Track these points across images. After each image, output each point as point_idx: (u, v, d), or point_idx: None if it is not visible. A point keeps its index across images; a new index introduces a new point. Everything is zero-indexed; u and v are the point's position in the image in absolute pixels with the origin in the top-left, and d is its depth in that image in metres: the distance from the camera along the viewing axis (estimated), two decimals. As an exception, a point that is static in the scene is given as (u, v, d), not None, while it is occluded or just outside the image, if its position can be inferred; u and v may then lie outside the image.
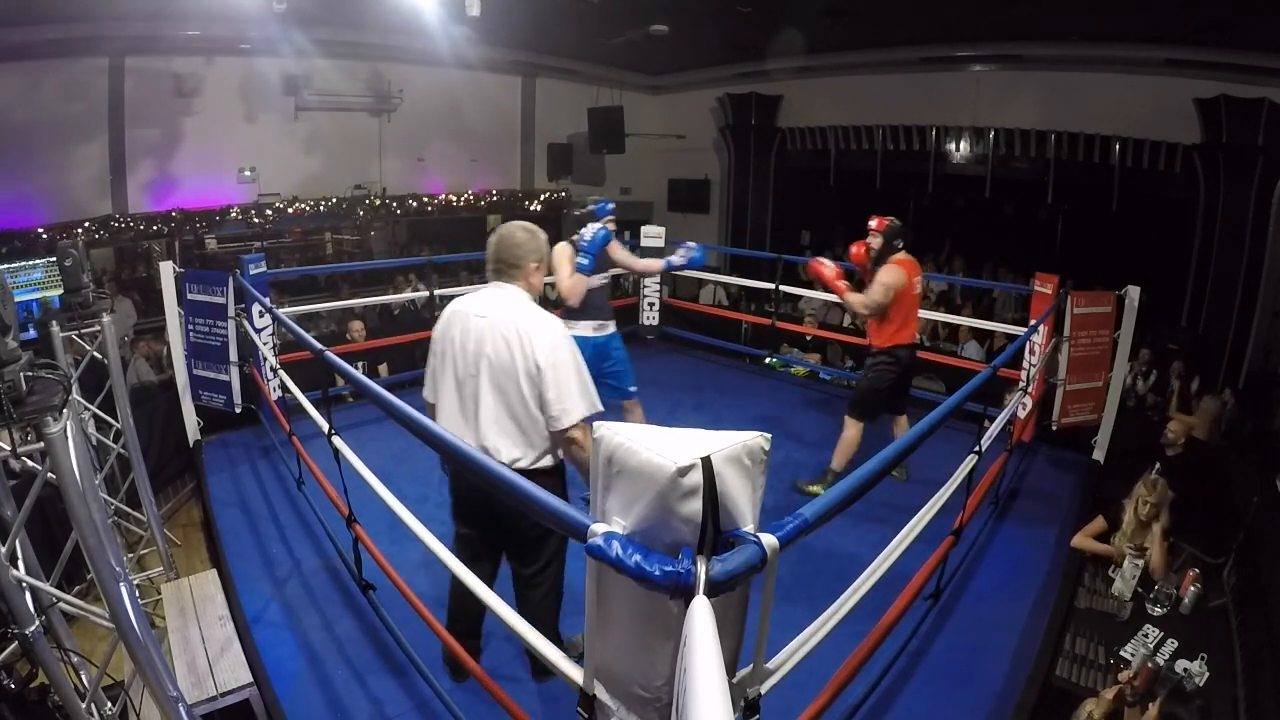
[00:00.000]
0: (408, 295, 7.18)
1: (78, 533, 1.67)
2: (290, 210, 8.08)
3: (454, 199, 9.26)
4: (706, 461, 0.99)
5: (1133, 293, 4.18)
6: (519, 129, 10.02)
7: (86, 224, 6.79)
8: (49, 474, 1.68)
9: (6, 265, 6.16)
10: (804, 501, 1.42)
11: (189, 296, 4.43)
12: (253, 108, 7.69)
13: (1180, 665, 2.52)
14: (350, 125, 8.42)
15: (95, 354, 3.33)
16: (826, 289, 3.87)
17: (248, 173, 7.80)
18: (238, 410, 4.58)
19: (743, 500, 1.06)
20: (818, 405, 5.30)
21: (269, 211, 7.94)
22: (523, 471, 1.89)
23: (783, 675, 1.51)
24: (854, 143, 9.00)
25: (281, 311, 3.88)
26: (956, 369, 5.37)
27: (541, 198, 10.08)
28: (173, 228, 7.43)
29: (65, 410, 1.62)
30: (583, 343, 3.64)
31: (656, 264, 4.12)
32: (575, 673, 1.33)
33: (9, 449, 1.76)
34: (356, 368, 3.71)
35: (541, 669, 2.40)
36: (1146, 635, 2.73)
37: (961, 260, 8.57)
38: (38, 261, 6.35)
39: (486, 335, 2.07)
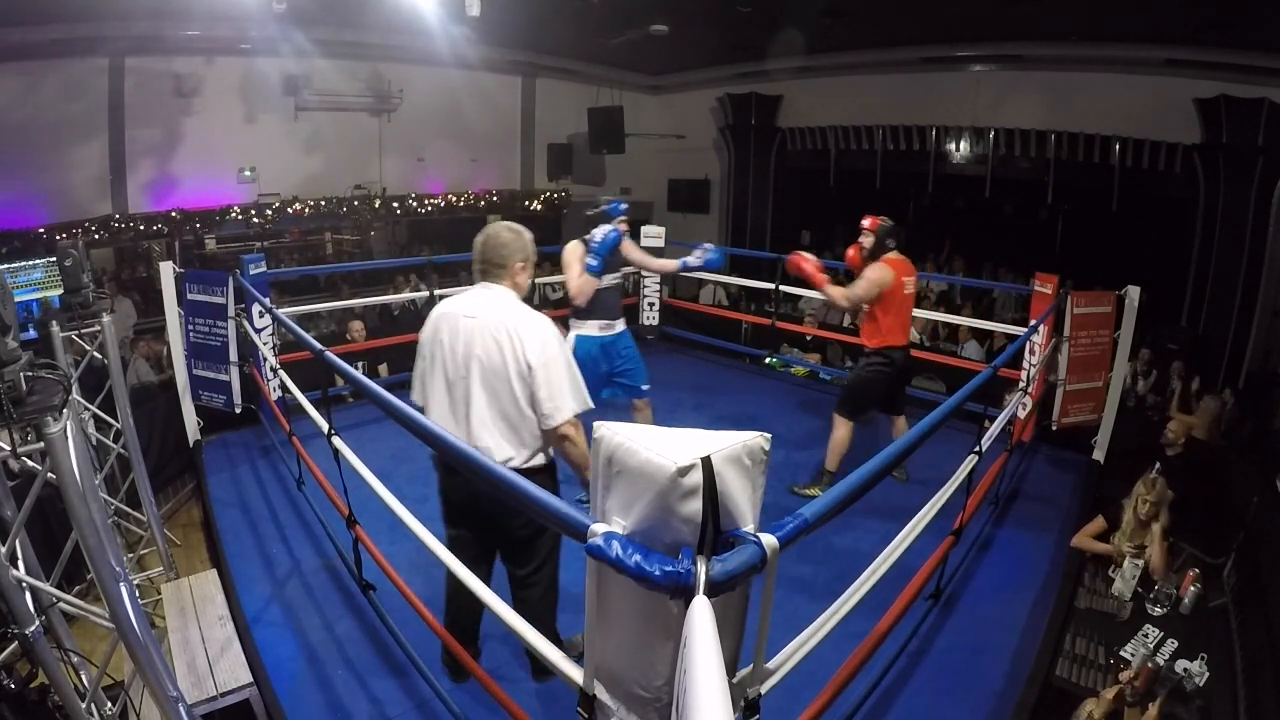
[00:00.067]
0: (408, 295, 7.18)
1: (78, 533, 1.67)
2: (290, 210, 8.08)
3: (454, 199, 9.26)
4: (706, 461, 0.99)
5: (1133, 293, 4.18)
6: (519, 129, 10.02)
7: (86, 224, 6.79)
8: (49, 474, 1.68)
9: (6, 265, 6.17)
10: (803, 501, 1.42)
11: (189, 296, 4.43)
12: (253, 108, 7.69)
13: (1180, 665, 2.52)
14: (350, 125, 8.42)
15: (95, 354, 3.33)
16: (807, 284, 3.87)
17: (248, 173, 7.80)
18: (238, 410, 4.58)
19: (743, 500, 1.06)
20: (818, 405, 5.29)
21: (269, 211, 7.94)
22: (516, 471, 1.90)
23: (783, 675, 1.51)
24: (854, 143, 9.00)
25: (281, 311, 3.88)
26: (956, 369, 5.38)
27: (541, 198, 10.08)
28: (173, 228, 7.43)
29: (65, 410, 1.62)
30: (589, 342, 3.66)
31: (672, 264, 4.10)
32: (575, 673, 1.33)
33: (9, 449, 1.76)
34: (356, 368, 3.71)
35: (541, 669, 2.40)
36: (1146, 635, 2.73)
37: (961, 260, 8.57)
38: (38, 261, 6.35)
39: (476, 336, 2.08)
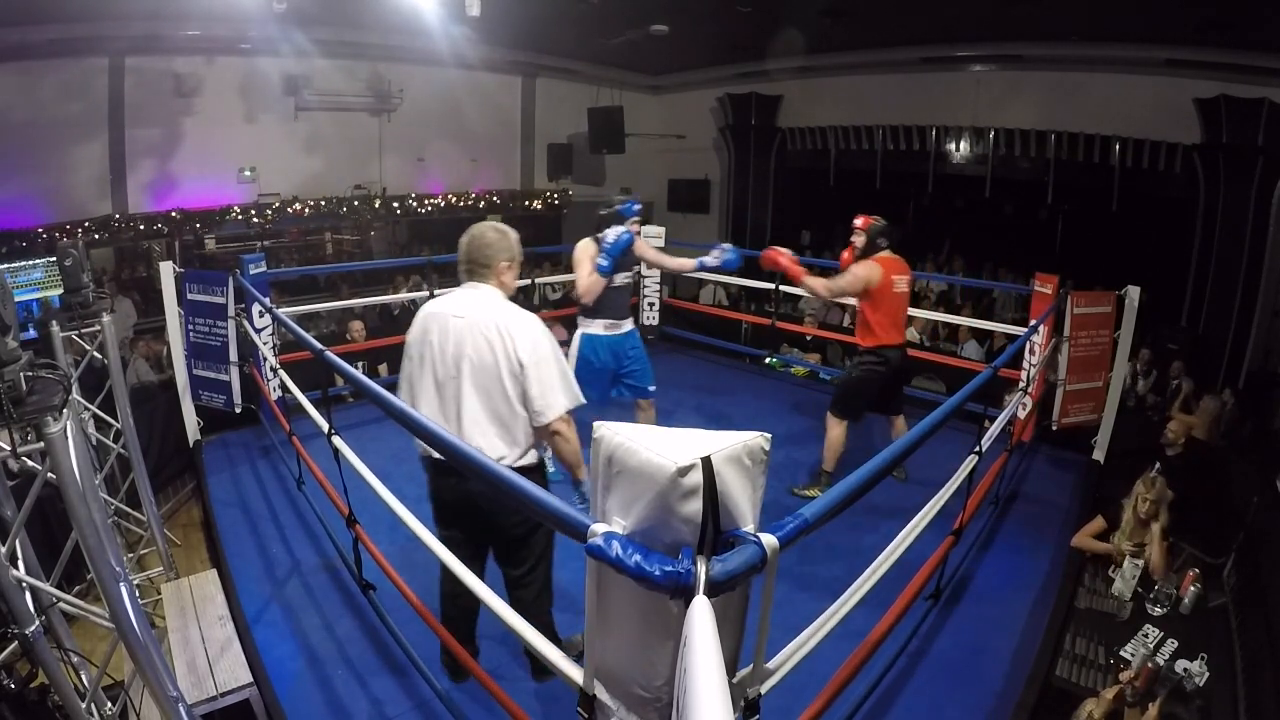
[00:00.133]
0: (408, 295, 7.18)
1: (78, 533, 1.67)
2: (290, 210, 8.08)
3: (454, 199, 9.26)
4: (707, 461, 0.99)
5: (1133, 293, 4.18)
6: (519, 129, 10.02)
7: (86, 224, 6.79)
8: (49, 474, 1.68)
9: (6, 265, 6.17)
10: (803, 502, 1.42)
11: (189, 296, 4.43)
12: (253, 108, 7.69)
13: (1180, 665, 2.52)
14: (350, 125, 8.42)
15: (95, 354, 3.33)
16: (785, 279, 3.88)
17: (248, 173, 7.80)
18: (238, 410, 4.57)
19: (743, 500, 1.06)
20: (818, 405, 5.28)
21: (269, 211, 7.94)
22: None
23: (783, 675, 1.51)
24: (854, 143, 9.00)
25: (281, 311, 3.88)
26: (956, 369, 5.37)
27: (542, 198, 10.08)
28: (173, 228, 7.43)
29: (65, 410, 1.62)
30: (593, 340, 3.67)
31: (689, 263, 4.08)
32: (575, 673, 1.33)
33: (9, 449, 1.76)
34: (356, 368, 3.71)
35: (541, 669, 2.40)
36: (1146, 635, 2.73)
37: (961, 260, 8.57)
38: (38, 261, 6.36)
39: (466, 335, 2.08)
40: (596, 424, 1.13)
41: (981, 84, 7.97)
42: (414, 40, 7.08)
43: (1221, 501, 3.78)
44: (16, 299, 3.37)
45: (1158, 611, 2.86)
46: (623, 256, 3.52)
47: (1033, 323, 4.19)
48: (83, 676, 2.03)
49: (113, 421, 3.59)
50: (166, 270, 4.33)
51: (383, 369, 5.73)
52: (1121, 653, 2.65)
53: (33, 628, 1.70)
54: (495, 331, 2.05)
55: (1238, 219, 6.51)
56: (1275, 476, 3.39)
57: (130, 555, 3.78)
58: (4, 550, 1.67)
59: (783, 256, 3.65)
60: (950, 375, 5.58)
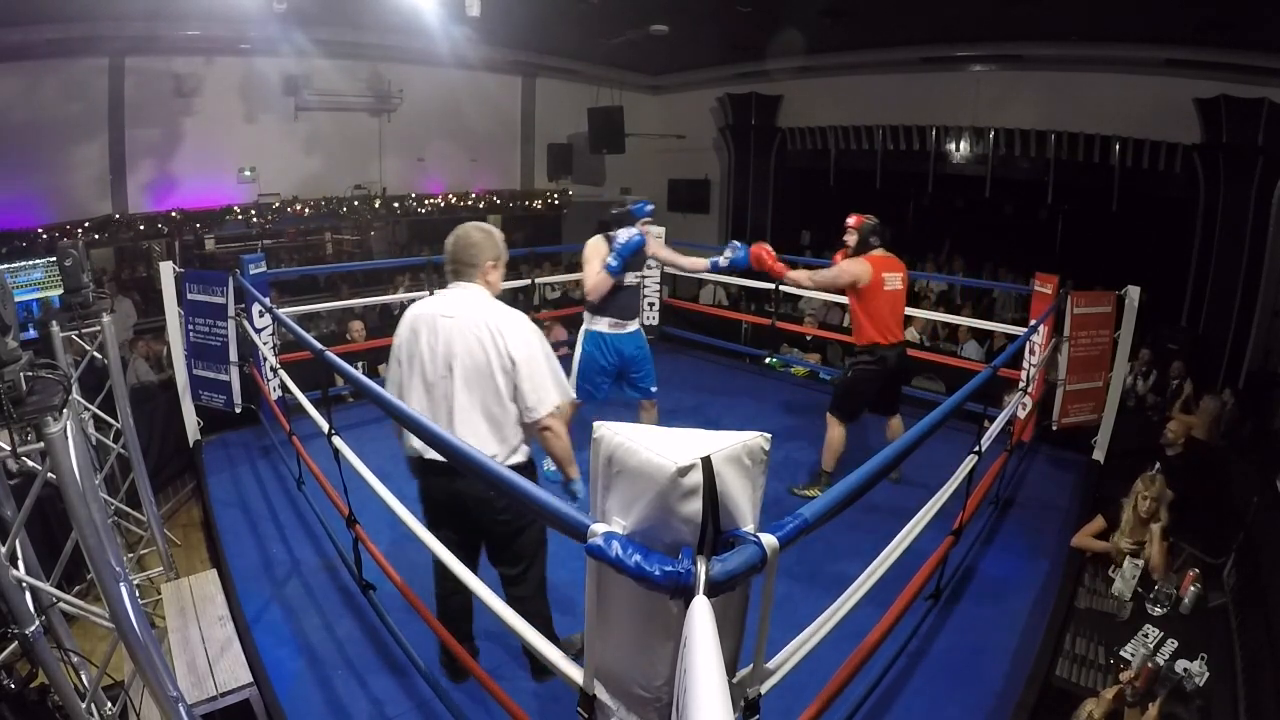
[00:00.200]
0: (408, 295, 7.19)
1: (78, 533, 1.67)
2: (290, 210, 8.08)
3: (454, 199, 9.26)
4: (706, 461, 0.99)
5: (1133, 293, 4.18)
6: (519, 129, 10.02)
7: (86, 224, 6.79)
8: (49, 474, 1.68)
9: (6, 265, 6.17)
10: (802, 501, 1.42)
11: (189, 296, 4.43)
12: (253, 108, 7.69)
13: (1180, 665, 2.52)
14: (350, 125, 8.42)
15: (95, 354, 3.33)
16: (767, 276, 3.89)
17: (248, 173, 7.80)
18: (238, 410, 4.57)
19: (743, 500, 1.06)
20: (818, 405, 5.28)
21: (269, 212, 7.94)
22: None
23: (783, 675, 1.51)
24: (854, 143, 9.00)
25: (281, 311, 3.88)
26: (956, 369, 5.37)
27: (542, 198, 10.08)
28: (173, 228, 7.43)
29: (65, 410, 1.62)
30: (596, 338, 3.68)
31: (701, 263, 4.08)
32: (575, 673, 1.33)
33: (9, 449, 1.77)
34: (356, 368, 3.70)
35: (541, 668, 2.40)
36: (1146, 635, 2.73)
37: (961, 260, 8.58)
38: (38, 261, 6.36)
39: (456, 335, 2.09)
40: (596, 424, 1.13)
41: (981, 84, 7.97)
42: (414, 40, 7.08)
43: (1221, 501, 3.79)
44: (16, 299, 3.37)
45: (1158, 611, 2.86)
46: (633, 258, 3.52)
47: (1033, 323, 4.19)
48: (83, 676, 2.03)
49: (113, 421, 3.59)
50: (166, 270, 4.33)
51: (383, 369, 5.72)
52: (1121, 653, 2.65)
53: (33, 628, 1.70)
54: (486, 330, 2.07)
55: (1238, 219, 6.51)
56: (1275, 476, 3.39)
57: (130, 555, 3.78)
58: (4, 550, 1.67)
59: (768, 256, 3.66)
60: (950, 375, 5.58)
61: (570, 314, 6.55)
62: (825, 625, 1.72)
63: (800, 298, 7.25)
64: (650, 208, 3.70)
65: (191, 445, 4.52)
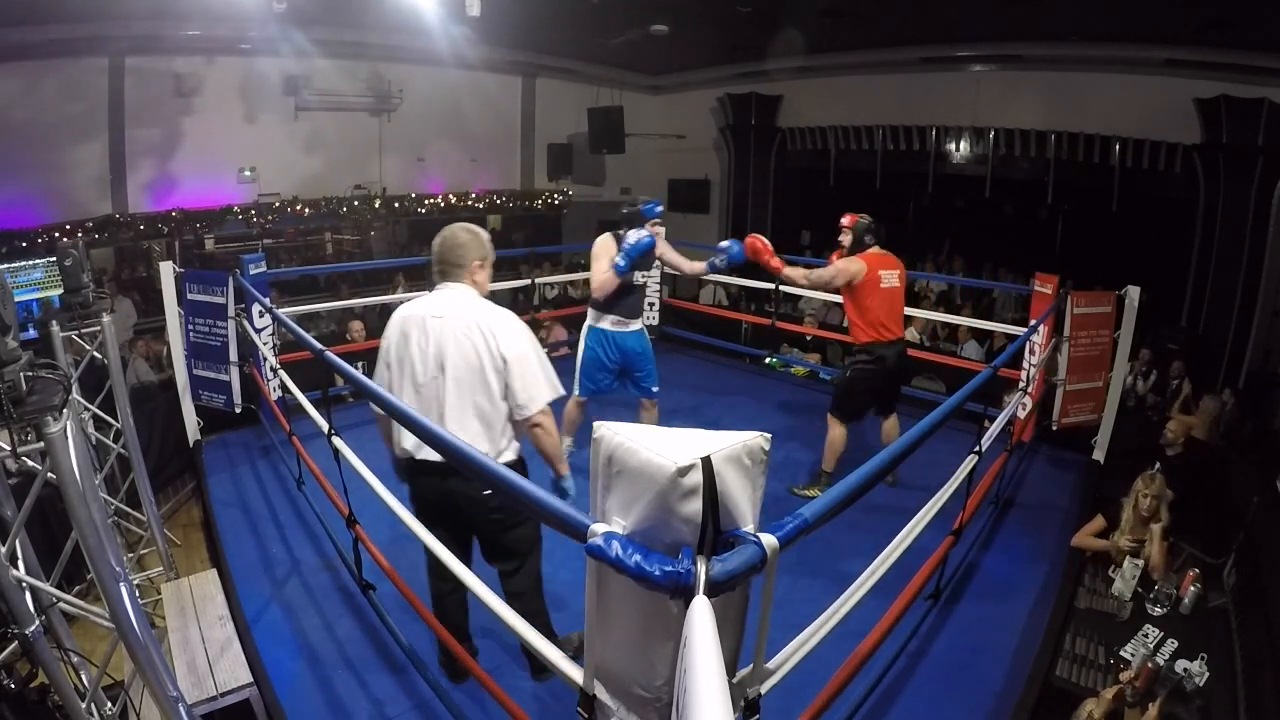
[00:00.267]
0: (408, 295, 7.18)
1: (78, 533, 1.67)
2: (290, 210, 8.08)
3: (454, 199, 9.26)
4: (706, 461, 0.99)
5: (1133, 293, 4.18)
6: (519, 129, 10.02)
7: (86, 224, 6.80)
8: (49, 474, 1.68)
9: (6, 265, 6.17)
10: (802, 501, 1.42)
11: (189, 296, 4.43)
12: (253, 108, 7.69)
13: (1180, 665, 2.52)
14: (350, 125, 8.42)
15: (95, 354, 3.33)
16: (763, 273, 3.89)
17: (248, 173, 7.80)
18: (238, 410, 4.57)
19: (743, 500, 1.06)
20: (818, 405, 5.28)
21: (269, 212, 7.94)
22: None
23: (783, 675, 1.51)
24: (854, 143, 9.01)
25: (281, 311, 3.88)
26: (956, 369, 5.37)
27: (542, 198, 10.09)
28: (173, 228, 7.43)
29: (65, 410, 1.62)
30: (601, 335, 3.69)
31: (701, 266, 4.08)
32: (575, 672, 1.33)
33: (9, 449, 1.77)
34: (356, 368, 3.71)
35: (539, 667, 2.40)
36: (1146, 635, 2.73)
37: (961, 260, 8.58)
38: (38, 261, 6.36)
39: (447, 334, 2.10)
40: (596, 424, 1.12)
41: (981, 84, 7.97)
42: (414, 40, 7.08)
43: (1221, 501, 3.79)
44: (16, 299, 3.37)
45: (1158, 611, 2.86)
46: (641, 258, 3.53)
47: (1033, 323, 4.19)
48: (83, 676, 2.03)
49: (113, 421, 3.59)
50: (166, 270, 4.33)
51: (383, 369, 5.73)
52: (1121, 653, 2.65)
53: (33, 628, 1.70)
54: (477, 329, 2.09)
55: (1238, 219, 6.51)
56: (1275, 476, 3.39)
57: (130, 555, 3.78)
58: (4, 550, 1.67)
59: (763, 247, 3.65)
60: (950, 375, 5.58)
61: (570, 314, 6.55)
62: (825, 625, 1.72)
63: (800, 298, 7.25)
64: (660, 209, 3.71)
65: (191, 445, 4.52)
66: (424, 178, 9.15)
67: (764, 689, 1.39)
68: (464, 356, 2.09)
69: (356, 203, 8.55)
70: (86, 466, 1.69)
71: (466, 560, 2.31)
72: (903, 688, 2.49)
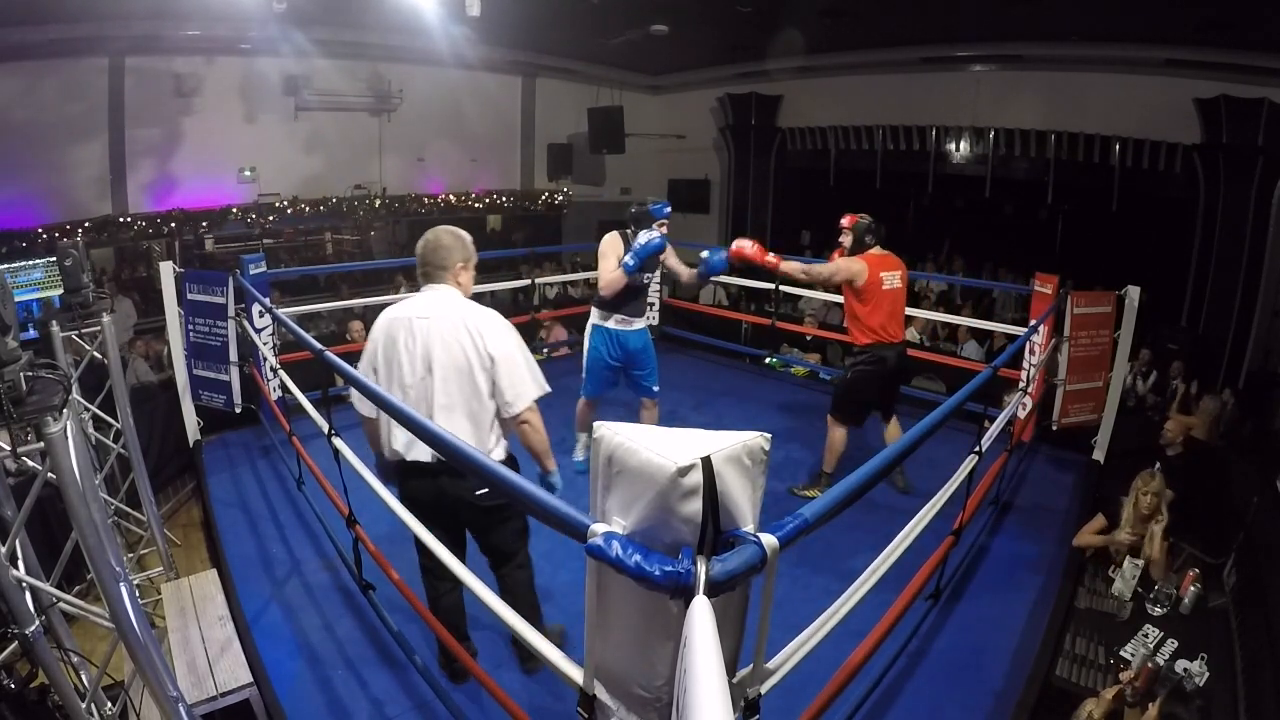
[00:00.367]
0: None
1: (78, 533, 1.67)
2: (290, 210, 8.08)
3: (454, 199, 9.26)
4: (707, 461, 0.99)
5: (1133, 293, 4.17)
6: (519, 129, 10.02)
7: (86, 224, 6.80)
8: (49, 474, 1.68)
9: (6, 265, 6.18)
10: (802, 502, 1.42)
11: (189, 296, 4.43)
12: (253, 108, 7.70)
13: (1180, 665, 2.52)
14: (350, 125, 8.43)
15: (95, 354, 3.33)
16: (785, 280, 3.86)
17: (248, 173, 7.81)
18: (238, 410, 4.57)
19: (743, 500, 1.06)
20: (818, 406, 5.28)
21: (270, 212, 7.94)
22: None
23: (783, 675, 1.51)
24: (854, 143, 9.01)
25: (281, 311, 3.88)
26: (956, 369, 5.37)
27: (541, 198, 10.09)
28: (173, 228, 7.44)
29: (65, 410, 1.62)
30: (601, 333, 3.69)
31: (692, 272, 4.02)
32: (575, 672, 1.33)
33: (9, 449, 1.77)
34: (356, 368, 3.71)
35: (528, 656, 2.43)
36: (1146, 635, 2.73)
37: (961, 260, 8.58)
38: (38, 261, 6.36)
39: (434, 335, 2.12)
40: (597, 424, 1.12)
41: (981, 84, 7.98)
42: (414, 40, 7.09)
43: (1221, 501, 3.78)
44: (16, 299, 3.37)
45: (1158, 611, 2.86)
46: (649, 259, 3.52)
47: (1033, 323, 4.18)
48: (83, 676, 2.03)
49: (113, 421, 3.58)
50: (166, 270, 4.33)
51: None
52: (1121, 653, 2.65)
53: (33, 628, 1.70)
54: (464, 329, 2.11)
55: (1238, 219, 6.51)
56: (1275, 476, 3.39)
57: (130, 555, 3.77)
58: (4, 550, 1.67)
59: (746, 248, 3.56)
60: (950, 375, 5.58)
61: (570, 314, 6.55)
62: (825, 625, 1.72)
63: (800, 298, 7.24)
64: (669, 210, 3.69)
65: (191, 445, 4.52)
66: (424, 178, 9.16)
67: (764, 689, 1.39)
68: (451, 356, 2.11)
69: (356, 203, 8.55)
70: (86, 466, 1.69)
71: (460, 559, 2.33)
72: (903, 688, 2.49)
